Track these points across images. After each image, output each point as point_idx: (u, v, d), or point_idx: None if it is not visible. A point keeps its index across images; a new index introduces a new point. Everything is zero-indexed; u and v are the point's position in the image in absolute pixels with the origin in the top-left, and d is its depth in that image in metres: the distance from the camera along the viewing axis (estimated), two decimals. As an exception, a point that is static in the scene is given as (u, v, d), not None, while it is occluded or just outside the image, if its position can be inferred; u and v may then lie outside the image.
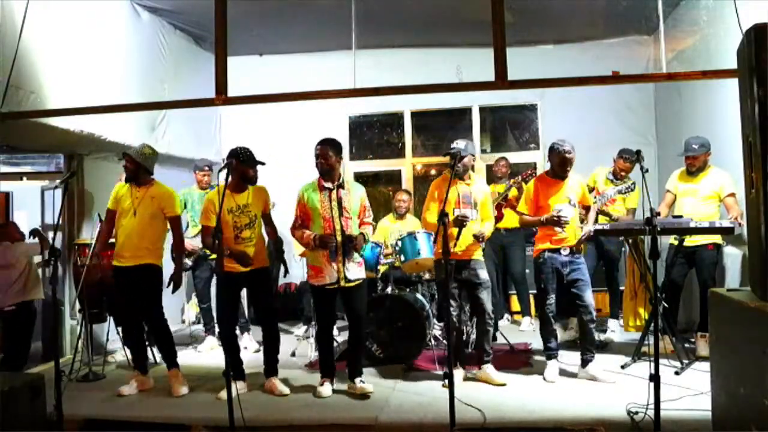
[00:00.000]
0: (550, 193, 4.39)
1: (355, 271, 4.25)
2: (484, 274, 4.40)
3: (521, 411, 3.73)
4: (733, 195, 4.60)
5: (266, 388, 4.35)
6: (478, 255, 4.42)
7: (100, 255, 4.84)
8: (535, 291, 6.41)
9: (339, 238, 4.18)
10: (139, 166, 4.42)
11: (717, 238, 4.69)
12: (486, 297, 4.37)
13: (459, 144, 4.34)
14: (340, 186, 4.25)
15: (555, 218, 4.23)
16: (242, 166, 4.22)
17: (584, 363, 4.34)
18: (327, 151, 4.20)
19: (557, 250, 4.33)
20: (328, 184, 4.24)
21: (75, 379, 4.74)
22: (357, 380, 4.25)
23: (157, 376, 4.66)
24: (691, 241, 4.68)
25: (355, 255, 4.26)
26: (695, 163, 4.76)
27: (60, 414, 3.59)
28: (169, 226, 4.55)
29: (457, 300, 4.38)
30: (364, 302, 4.39)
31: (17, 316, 4.97)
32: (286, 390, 4.29)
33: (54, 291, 3.64)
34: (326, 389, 4.23)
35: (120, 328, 5.19)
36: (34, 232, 5.12)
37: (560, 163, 4.35)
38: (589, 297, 4.34)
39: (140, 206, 4.39)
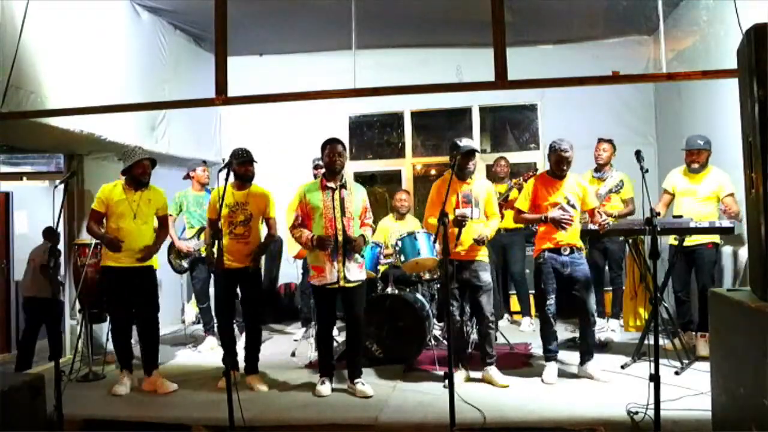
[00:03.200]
0: (548, 192, 4.38)
1: (356, 272, 4.25)
2: (485, 277, 4.39)
3: (521, 411, 3.72)
4: (731, 195, 4.59)
5: (248, 383, 4.42)
6: (481, 256, 4.40)
7: (101, 255, 4.83)
8: (534, 291, 6.50)
9: (340, 239, 4.19)
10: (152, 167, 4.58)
11: (716, 238, 4.68)
12: (486, 300, 4.37)
13: (471, 142, 4.38)
14: (343, 186, 4.27)
15: (558, 219, 4.23)
16: (235, 164, 4.41)
17: (582, 362, 4.36)
18: (341, 150, 4.26)
19: (557, 250, 4.32)
20: (332, 184, 4.26)
21: (75, 379, 4.74)
22: (357, 382, 4.25)
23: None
24: (690, 240, 4.68)
25: (356, 256, 4.26)
26: (698, 160, 4.73)
27: (60, 414, 3.59)
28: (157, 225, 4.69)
29: (458, 300, 4.38)
30: (362, 304, 4.40)
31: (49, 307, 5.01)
32: (264, 388, 4.39)
33: (54, 291, 3.64)
34: (325, 388, 4.23)
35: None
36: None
37: (557, 162, 4.34)
38: (590, 300, 4.33)
39: (139, 209, 4.47)
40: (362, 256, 4.33)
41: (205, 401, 4.15)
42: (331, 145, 4.27)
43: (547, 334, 4.39)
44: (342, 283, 4.21)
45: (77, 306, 5.05)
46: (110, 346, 5.37)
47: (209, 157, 7.05)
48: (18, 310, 6.56)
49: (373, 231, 4.53)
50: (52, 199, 6.18)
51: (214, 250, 3.54)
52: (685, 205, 4.76)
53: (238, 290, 4.67)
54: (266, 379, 4.58)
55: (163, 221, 4.68)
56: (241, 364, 4.58)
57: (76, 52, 4.81)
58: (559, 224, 4.26)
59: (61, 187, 4.00)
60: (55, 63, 4.61)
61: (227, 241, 4.46)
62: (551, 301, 4.35)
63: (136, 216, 4.45)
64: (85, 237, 5.44)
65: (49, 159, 6.44)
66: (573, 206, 4.33)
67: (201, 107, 5.52)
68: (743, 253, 4.71)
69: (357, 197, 4.32)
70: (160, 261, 4.84)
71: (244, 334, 5.67)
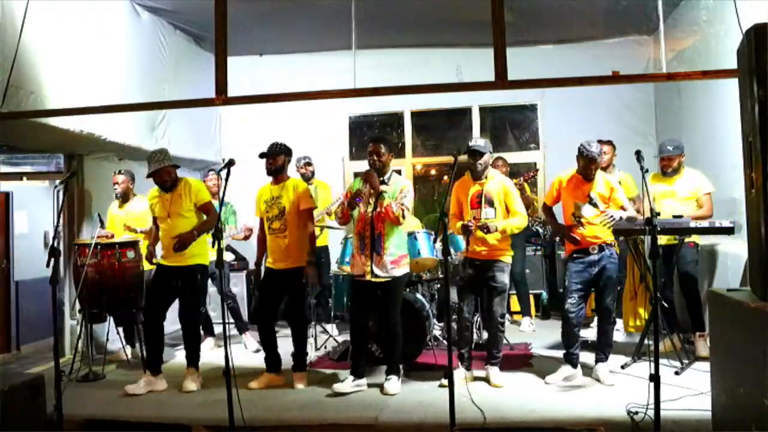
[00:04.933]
0: (576, 193, 4.32)
1: (387, 267, 4.22)
2: (502, 278, 4.33)
3: (521, 411, 3.73)
4: (708, 194, 4.68)
5: (294, 380, 4.48)
6: (503, 257, 4.34)
7: (101, 255, 4.83)
8: (535, 291, 6.53)
9: (368, 233, 4.21)
10: (175, 169, 4.57)
11: (696, 237, 4.72)
12: (498, 302, 4.34)
13: (479, 142, 4.35)
14: (383, 183, 4.28)
15: (571, 233, 4.25)
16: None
17: (595, 362, 4.32)
18: (380, 149, 4.29)
19: (585, 250, 4.27)
20: None
21: (75, 379, 4.74)
22: (385, 378, 4.28)
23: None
24: (671, 240, 4.68)
25: (391, 251, 4.21)
26: (670, 164, 4.82)
27: (60, 414, 3.59)
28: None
29: (468, 299, 4.37)
30: (395, 305, 4.30)
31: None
32: (301, 386, 4.42)
33: (54, 291, 3.64)
34: (344, 386, 4.18)
35: (141, 326, 5.18)
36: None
37: (585, 166, 4.26)
38: (609, 300, 4.28)
39: (172, 207, 4.49)
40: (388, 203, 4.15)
41: (205, 401, 4.15)
42: (371, 144, 4.38)
43: (565, 334, 4.29)
44: (369, 277, 4.21)
45: (77, 306, 5.05)
46: (110, 346, 5.39)
47: (209, 157, 7.05)
48: (18, 310, 6.55)
49: (406, 211, 4.30)
50: (52, 199, 6.19)
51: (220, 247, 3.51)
52: (666, 206, 4.78)
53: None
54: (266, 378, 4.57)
55: (204, 208, 4.54)
56: (248, 370, 4.60)
57: (76, 52, 4.81)
58: (573, 240, 4.25)
59: (61, 187, 4.00)
60: (55, 63, 4.61)
61: (268, 239, 4.55)
62: (572, 300, 4.26)
63: (169, 215, 4.48)
64: (85, 237, 5.44)
65: (49, 159, 6.44)
66: (595, 205, 4.23)
67: (201, 107, 5.52)
68: (720, 249, 4.82)
69: (395, 190, 4.27)
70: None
71: (243, 335, 5.75)
